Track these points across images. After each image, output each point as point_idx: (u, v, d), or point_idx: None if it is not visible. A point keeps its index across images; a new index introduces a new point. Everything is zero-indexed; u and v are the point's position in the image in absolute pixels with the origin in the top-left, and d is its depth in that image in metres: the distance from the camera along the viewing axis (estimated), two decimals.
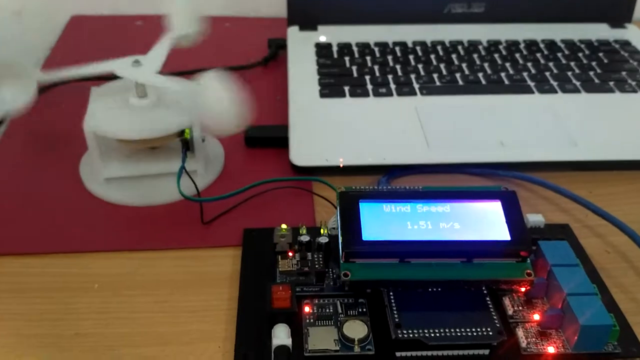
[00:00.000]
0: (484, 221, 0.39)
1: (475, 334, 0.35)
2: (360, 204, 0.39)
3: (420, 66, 0.62)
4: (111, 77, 0.46)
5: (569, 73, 0.61)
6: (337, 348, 0.35)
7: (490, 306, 0.37)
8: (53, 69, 0.45)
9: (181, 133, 0.46)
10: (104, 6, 0.75)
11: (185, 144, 0.46)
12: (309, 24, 0.68)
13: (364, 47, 0.65)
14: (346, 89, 0.58)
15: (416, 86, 0.58)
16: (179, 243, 0.44)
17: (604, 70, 0.62)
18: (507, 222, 0.38)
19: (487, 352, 0.35)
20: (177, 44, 0.50)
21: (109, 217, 0.46)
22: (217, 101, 0.41)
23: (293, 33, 0.67)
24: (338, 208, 0.39)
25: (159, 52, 0.47)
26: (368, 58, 0.63)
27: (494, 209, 0.39)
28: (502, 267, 0.38)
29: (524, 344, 0.36)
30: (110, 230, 0.45)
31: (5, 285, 0.41)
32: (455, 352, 0.35)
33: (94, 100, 0.47)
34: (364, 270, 0.37)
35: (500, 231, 0.38)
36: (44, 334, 0.37)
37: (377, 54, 0.64)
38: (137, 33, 0.72)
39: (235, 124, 0.42)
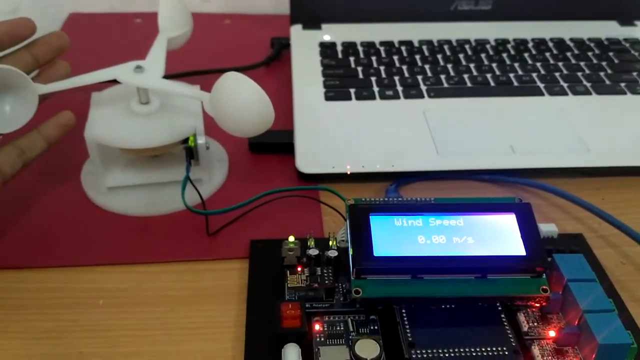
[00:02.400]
0: (499, 235, 0.38)
1: (491, 353, 0.34)
2: (370, 217, 0.38)
3: (427, 67, 0.60)
4: (112, 80, 0.45)
5: (579, 74, 0.60)
6: None
7: (505, 323, 0.36)
8: (53, 80, 0.43)
9: (185, 140, 0.45)
10: (102, 4, 0.73)
11: (189, 152, 0.45)
12: (312, 22, 0.67)
13: (369, 47, 0.63)
14: (352, 91, 0.57)
15: (423, 88, 0.57)
16: (183, 255, 0.43)
17: (614, 70, 0.60)
18: (522, 236, 0.37)
19: None
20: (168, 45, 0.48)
21: (111, 228, 0.45)
22: (245, 102, 0.39)
23: (296, 32, 0.66)
24: (348, 222, 0.38)
25: (158, 56, 0.46)
26: (373, 58, 0.62)
27: (509, 222, 0.38)
28: (517, 283, 0.37)
29: None
30: (113, 241, 0.44)
31: (3, 301, 0.39)
32: None
33: (95, 107, 0.46)
34: (376, 287, 0.36)
35: (515, 245, 0.37)
36: (45, 353, 0.36)
37: (383, 54, 0.62)
38: (137, 31, 0.70)
39: (263, 124, 0.40)
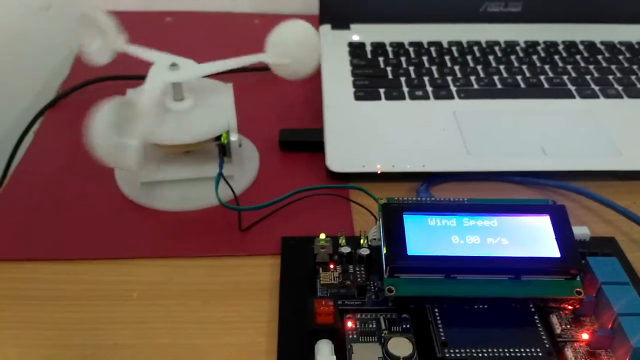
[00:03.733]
0: (533, 237, 0.38)
1: (524, 354, 0.34)
2: (404, 216, 0.38)
3: (456, 68, 0.60)
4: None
5: (610, 77, 0.59)
6: None
7: (539, 324, 0.36)
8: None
9: (218, 137, 0.45)
10: (133, 2, 0.74)
11: (222, 148, 0.45)
12: (341, 23, 0.67)
13: (399, 47, 0.64)
14: (381, 91, 0.57)
15: (453, 89, 0.57)
16: (215, 250, 0.43)
17: None
18: (556, 238, 0.37)
19: None
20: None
21: (144, 223, 0.45)
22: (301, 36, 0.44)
23: (325, 32, 0.66)
24: (381, 220, 0.38)
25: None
26: (403, 59, 0.62)
27: (543, 223, 0.38)
28: (552, 285, 0.37)
29: None
30: (146, 236, 0.44)
31: (41, 292, 0.40)
32: None
33: None
34: (409, 286, 0.36)
35: (549, 247, 0.37)
36: (81, 344, 0.37)
37: (412, 55, 0.63)
38: (167, 29, 0.71)
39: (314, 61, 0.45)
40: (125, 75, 0.59)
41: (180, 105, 0.45)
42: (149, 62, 0.45)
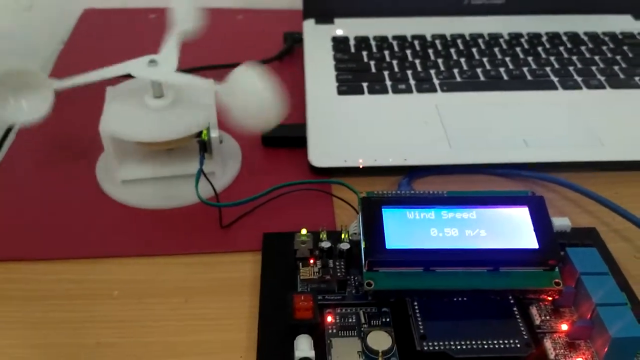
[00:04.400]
0: (511, 228, 0.38)
1: (503, 346, 0.34)
2: (383, 210, 0.38)
3: (440, 61, 0.60)
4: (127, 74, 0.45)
5: (594, 68, 0.59)
6: None
7: (518, 316, 0.36)
8: (68, 76, 0.44)
9: (199, 134, 0.45)
10: (116, 0, 0.74)
11: (202, 145, 0.45)
12: (325, 17, 0.67)
13: (382, 41, 0.63)
14: (364, 85, 0.57)
15: (436, 82, 0.57)
16: (196, 248, 0.43)
17: (629, 64, 0.60)
18: (535, 229, 0.38)
19: None
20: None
21: (125, 221, 0.45)
22: (254, 97, 0.40)
23: (309, 26, 0.66)
24: (360, 214, 0.38)
25: (171, 50, 0.46)
26: (386, 52, 0.62)
27: (522, 215, 0.38)
28: (530, 276, 0.37)
29: (552, 356, 0.35)
30: (127, 234, 0.44)
31: (21, 292, 0.40)
32: None
33: (110, 101, 0.46)
34: (388, 280, 0.36)
35: (528, 239, 0.37)
36: (62, 343, 0.37)
37: (396, 48, 0.62)
38: (151, 27, 0.71)
39: (272, 120, 0.41)
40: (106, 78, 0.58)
41: (160, 102, 0.45)
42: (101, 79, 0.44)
